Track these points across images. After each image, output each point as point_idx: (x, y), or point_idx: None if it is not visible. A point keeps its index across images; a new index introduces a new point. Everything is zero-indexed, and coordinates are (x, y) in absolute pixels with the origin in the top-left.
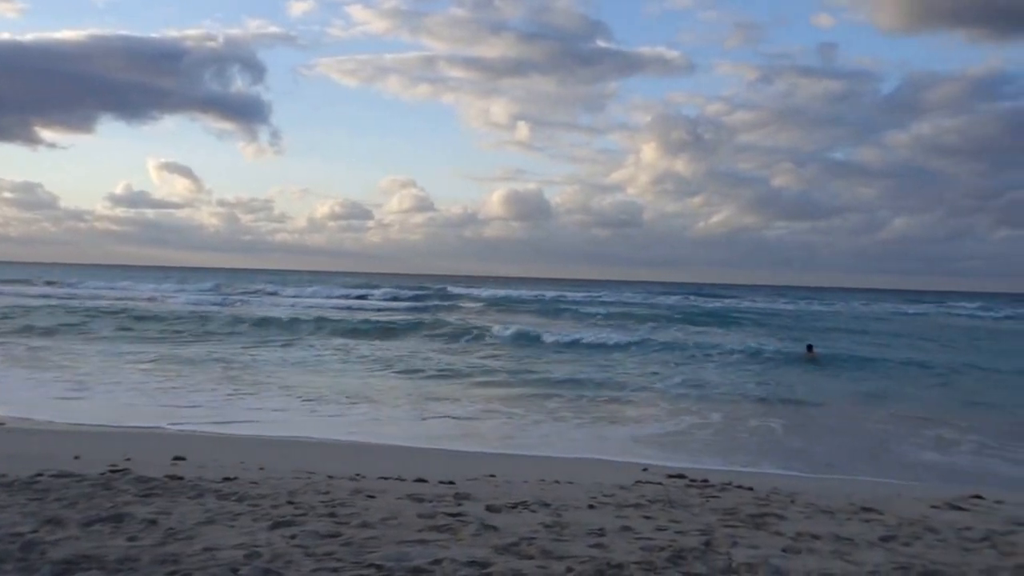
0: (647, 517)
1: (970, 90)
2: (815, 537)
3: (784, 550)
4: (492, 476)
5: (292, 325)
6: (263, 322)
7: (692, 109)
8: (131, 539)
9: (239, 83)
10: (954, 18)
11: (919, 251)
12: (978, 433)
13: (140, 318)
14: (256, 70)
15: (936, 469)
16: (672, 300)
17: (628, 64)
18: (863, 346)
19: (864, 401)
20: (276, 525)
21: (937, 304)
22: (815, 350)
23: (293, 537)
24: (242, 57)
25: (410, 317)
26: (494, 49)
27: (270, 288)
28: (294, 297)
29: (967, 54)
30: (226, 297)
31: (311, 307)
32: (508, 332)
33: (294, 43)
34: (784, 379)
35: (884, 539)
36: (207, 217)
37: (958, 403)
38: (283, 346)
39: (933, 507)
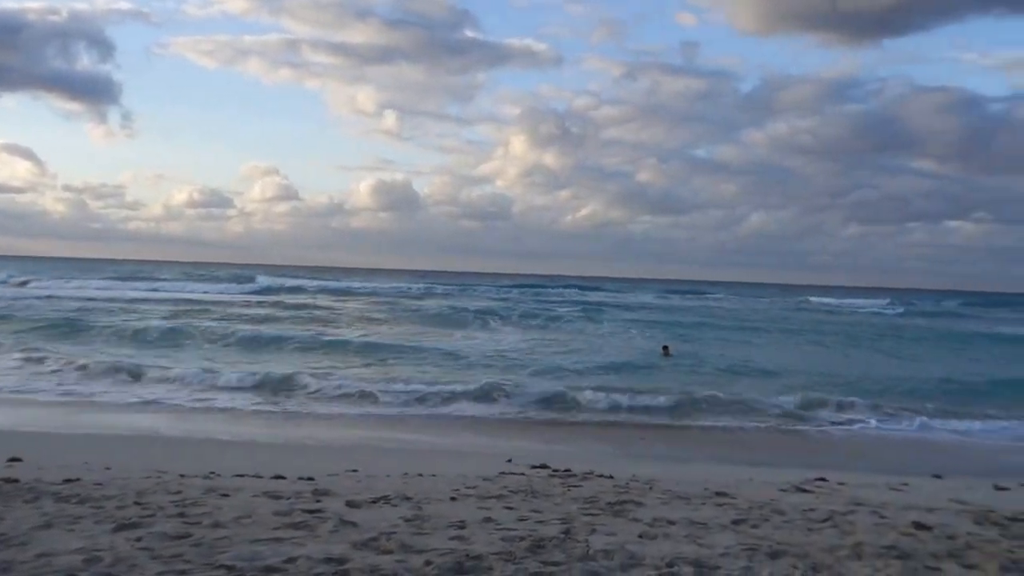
0: (509, 508)
1: (822, 92)
2: (670, 522)
3: (640, 536)
4: (354, 471)
5: None
6: None
7: (560, 103)
8: None
9: (85, 60)
10: (806, 22)
11: (775, 246)
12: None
13: None
14: (104, 47)
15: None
16: (534, 293)
17: (496, 55)
18: (717, 342)
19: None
20: (120, 527)
21: (787, 297)
22: (670, 350)
23: (139, 539)
24: (89, 33)
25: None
26: (359, 35)
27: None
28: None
29: (819, 57)
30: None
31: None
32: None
33: (146, 20)
34: (635, 376)
35: (735, 522)
36: (52, 203)
37: (789, 392)
38: None
39: (781, 490)
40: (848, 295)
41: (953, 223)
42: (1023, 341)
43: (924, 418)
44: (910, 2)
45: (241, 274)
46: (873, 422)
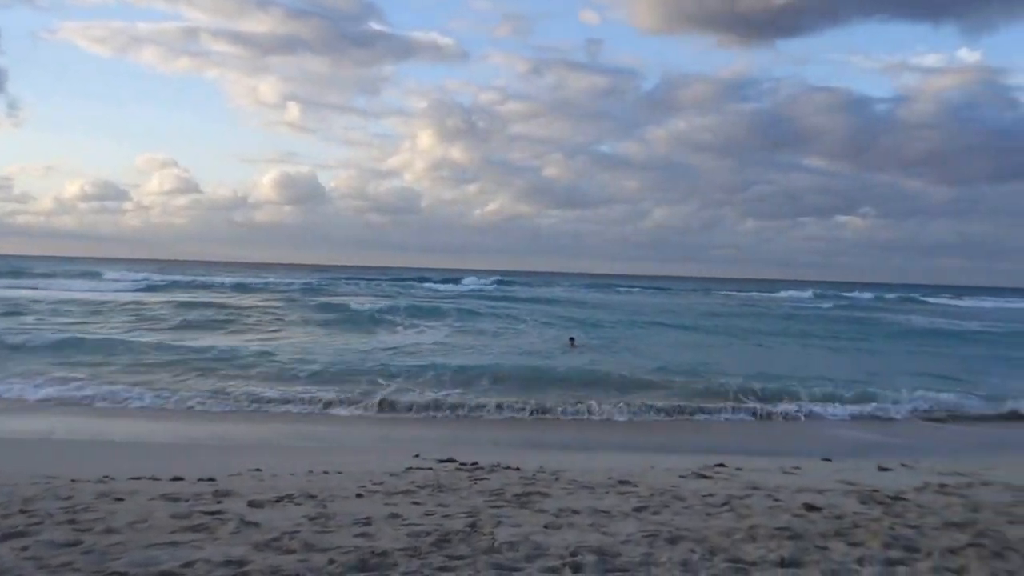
0: (416, 503)
1: (720, 91)
2: (575, 512)
3: (546, 526)
4: (257, 470)
5: None
6: None
7: (466, 97)
8: None
9: None
10: (704, 23)
11: (678, 240)
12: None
13: None
14: None
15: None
16: (442, 287)
17: (402, 48)
18: (625, 334)
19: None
20: (5, 537)
21: (687, 292)
22: (576, 342)
23: (25, 549)
24: None
25: None
26: (261, 24)
27: None
28: None
29: (717, 57)
30: None
31: None
32: None
33: (32, 4)
34: (541, 366)
35: (637, 509)
36: None
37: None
38: None
39: (682, 476)
40: (746, 288)
41: (843, 218)
42: (928, 332)
43: (817, 403)
44: (800, 5)
45: (88, 270)
46: (775, 408)
